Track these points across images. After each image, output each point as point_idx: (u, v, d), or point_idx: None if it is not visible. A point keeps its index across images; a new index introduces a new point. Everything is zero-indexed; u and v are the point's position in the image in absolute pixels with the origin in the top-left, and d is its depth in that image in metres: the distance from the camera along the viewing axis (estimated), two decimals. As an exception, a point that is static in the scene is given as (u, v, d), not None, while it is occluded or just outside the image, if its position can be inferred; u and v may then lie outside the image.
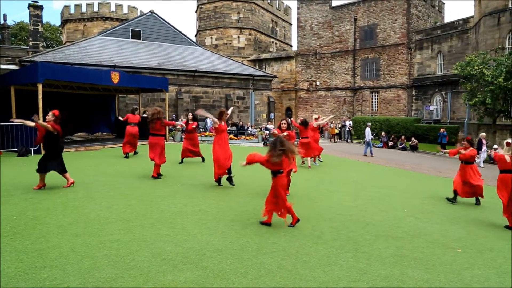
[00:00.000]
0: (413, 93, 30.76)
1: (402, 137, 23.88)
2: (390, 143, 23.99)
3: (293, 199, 7.36)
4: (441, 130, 22.29)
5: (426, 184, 10.61)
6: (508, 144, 6.61)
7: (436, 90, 28.98)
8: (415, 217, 6.63)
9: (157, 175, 8.85)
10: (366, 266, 4.30)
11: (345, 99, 34.47)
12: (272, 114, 29.35)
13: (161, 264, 4.08)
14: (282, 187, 5.55)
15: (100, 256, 4.19)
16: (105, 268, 3.92)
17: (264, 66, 38.10)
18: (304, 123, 11.90)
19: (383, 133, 25.02)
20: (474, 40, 25.14)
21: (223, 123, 8.25)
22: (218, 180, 8.29)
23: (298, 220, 5.61)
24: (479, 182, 8.01)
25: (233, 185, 8.22)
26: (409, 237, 5.48)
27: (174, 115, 23.68)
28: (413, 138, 23.03)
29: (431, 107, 28.86)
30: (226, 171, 8.14)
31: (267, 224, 5.54)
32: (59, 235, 4.80)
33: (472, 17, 26.21)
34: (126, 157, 12.14)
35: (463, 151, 8.00)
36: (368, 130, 18.38)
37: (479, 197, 8.21)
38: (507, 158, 6.48)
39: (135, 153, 12.83)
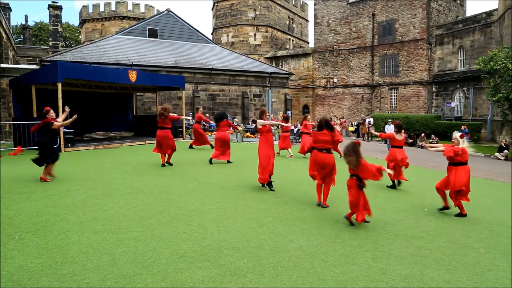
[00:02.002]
0: (433, 89, 30.17)
1: (422, 134, 23.48)
2: (410, 141, 23.61)
3: (311, 197, 7.33)
4: (463, 127, 21.79)
5: (447, 183, 10.39)
6: (462, 136, 6.62)
7: (458, 86, 28.34)
8: (435, 216, 6.51)
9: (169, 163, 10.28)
10: (385, 266, 4.25)
11: (363, 96, 34.07)
12: (289, 112, 29.25)
13: (179, 261, 4.12)
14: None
15: (119, 253, 4.26)
16: (123, 264, 3.98)
17: (280, 64, 37.98)
18: (286, 119, 13.77)
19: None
20: (498, 34, 24.47)
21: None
22: (268, 183, 7.87)
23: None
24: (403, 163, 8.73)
25: (273, 190, 7.75)
26: (429, 237, 5.39)
27: (190, 113, 23.87)
28: (433, 136, 22.61)
29: (452, 104, 28.21)
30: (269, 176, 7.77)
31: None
32: (79, 231, 4.90)
33: (496, 10, 25.49)
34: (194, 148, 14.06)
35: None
36: (387, 127, 18.41)
37: (400, 181, 8.80)
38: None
39: (190, 146, 14.22)
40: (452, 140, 6.67)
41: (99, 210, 5.88)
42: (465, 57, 27.99)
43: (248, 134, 20.55)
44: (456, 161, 6.54)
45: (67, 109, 8.92)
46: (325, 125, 6.72)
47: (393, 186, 8.82)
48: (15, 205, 5.99)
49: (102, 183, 7.81)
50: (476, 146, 21.49)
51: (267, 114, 8.06)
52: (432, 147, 7.29)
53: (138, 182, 8.03)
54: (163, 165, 10.12)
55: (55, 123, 8.06)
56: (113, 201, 6.47)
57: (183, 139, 18.09)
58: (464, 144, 6.54)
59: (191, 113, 23.79)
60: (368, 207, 5.62)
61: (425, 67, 30.55)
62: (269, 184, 7.87)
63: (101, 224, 5.24)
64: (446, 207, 6.82)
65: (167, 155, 10.32)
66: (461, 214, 6.61)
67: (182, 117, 10.88)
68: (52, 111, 8.39)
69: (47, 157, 8.03)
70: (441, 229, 5.77)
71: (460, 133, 6.64)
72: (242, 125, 22.46)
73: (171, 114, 10.39)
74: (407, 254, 4.65)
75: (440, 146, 6.96)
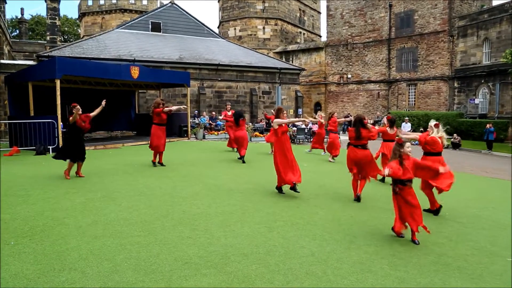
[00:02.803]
0: (455, 85, 29.85)
1: (443, 133, 23.24)
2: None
3: (324, 200, 7.30)
4: (488, 125, 21.50)
5: (470, 185, 10.29)
6: (436, 125, 6.83)
7: (482, 81, 28.00)
8: (457, 222, 6.44)
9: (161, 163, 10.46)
10: (403, 274, 4.21)
11: (379, 92, 33.86)
12: (300, 110, 29.20)
13: (184, 268, 4.13)
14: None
15: (120, 259, 4.28)
16: (125, 271, 3.99)
17: (291, 58, 37.93)
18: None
19: (421, 129, 24.40)
20: (526, 25, 24.14)
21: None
22: (279, 188, 7.75)
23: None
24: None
25: (298, 192, 7.53)
26: (451, 243, 5.33)
27: (196, 111, 23.95)
28: (455, 135, 22.38)
29: (476, 100, 27.88)
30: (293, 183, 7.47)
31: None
32: (78, 236, 4.93)
33: (524, -1, 25.18)
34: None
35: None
36: (403, 125, 18.42)
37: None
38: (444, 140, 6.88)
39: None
40: (428, 129, 7.05)
41: (100, 214, 5.91)
42: (491, 49, 27.63)
43: (257, 133, 20.54)
44: (428, 150, 6.83)
45: (103, 103, 8.90)
46: (354, 123, 7.46)
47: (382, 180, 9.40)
48: (11, 209, 6.06)
49: (102, 185, 7.86)
50: (503, 146, 21.23)
51: (285, 112, 7.68)
52: (406, 135, 7.63)
53: (141, 184, 8.07)
54: (153, 163, 10.43)
55: (70, 118, 8.25)
56: (114, 204, 6.51)
57: (188, 139, 18.16)
58: (438, 133, 6.78)
59: (196, 111, 23.88)
60: (407, 218, 5.28)
61: (447, 61, 30.24)
62: (293, 187, 7.56)
63: (102, 228, 5.27)
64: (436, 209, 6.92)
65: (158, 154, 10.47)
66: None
67: (174, 107, 10.52)
68: (78, 107, 8.28)
69: (58, 153, 8.43)
70: (464, 235, 5.71)
71: (435, 122, 6.89)
72: (250, 123, 22.46)
73: (156, 108, 10.16)
74: (427, 261, 4.61)
75: (415, 134, 7.54)
